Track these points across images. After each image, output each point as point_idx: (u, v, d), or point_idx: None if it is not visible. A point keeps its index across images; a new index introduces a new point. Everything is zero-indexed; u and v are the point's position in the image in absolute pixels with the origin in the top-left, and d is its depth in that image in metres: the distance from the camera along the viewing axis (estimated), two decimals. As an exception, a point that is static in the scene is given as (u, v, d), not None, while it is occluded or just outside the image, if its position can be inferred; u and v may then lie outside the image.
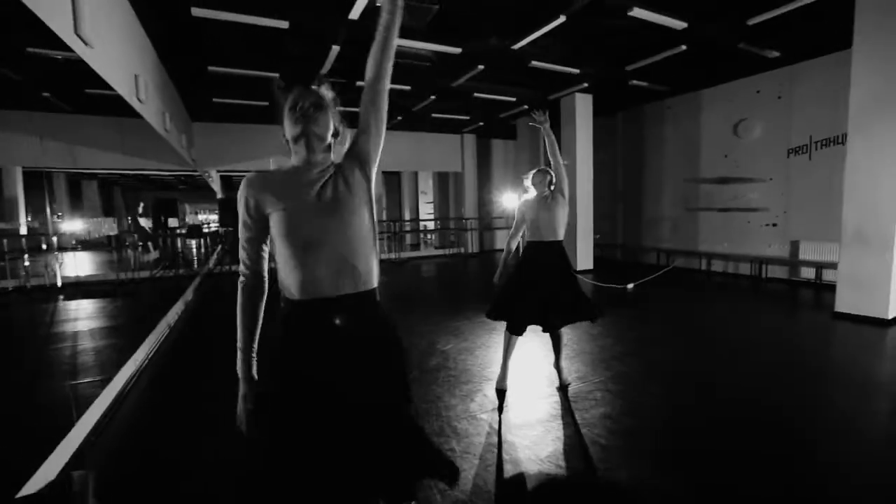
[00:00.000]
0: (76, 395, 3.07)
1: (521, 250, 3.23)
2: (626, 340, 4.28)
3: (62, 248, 10.26)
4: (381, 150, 1.40)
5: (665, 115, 8.86)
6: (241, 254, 1.25)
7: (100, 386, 3.10)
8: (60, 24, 2.57)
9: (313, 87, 1.31)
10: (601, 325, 4.85)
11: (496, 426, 2.67)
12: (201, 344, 4.69)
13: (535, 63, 6.50)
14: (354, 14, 4.79)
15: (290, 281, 1.19)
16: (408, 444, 1.29)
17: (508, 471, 2.22)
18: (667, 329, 4.77)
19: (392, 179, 18.38)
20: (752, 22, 5.22)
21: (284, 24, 5.03)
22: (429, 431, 2.62)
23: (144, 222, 19.27)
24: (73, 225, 14.99)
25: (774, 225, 7.25)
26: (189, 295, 6.98)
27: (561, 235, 3.06)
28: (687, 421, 2.72)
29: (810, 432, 2.57)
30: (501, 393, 3.09)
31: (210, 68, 6.30)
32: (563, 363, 3.26)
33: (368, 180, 1.33)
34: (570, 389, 3.16)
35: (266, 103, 8.28)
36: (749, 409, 2.83)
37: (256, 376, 1.24)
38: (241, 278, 1.26)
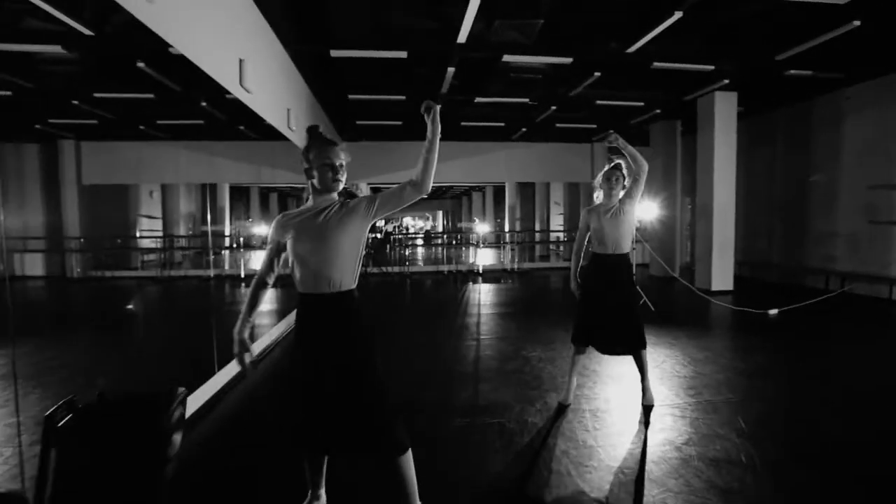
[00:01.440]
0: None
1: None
2: (733, 370, 3.74)
3: (250, 247, 12.93)
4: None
5: (843, 108, 7.29)
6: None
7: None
8: (228, 79, 3.46)
9: (342, 147, 1.74)
10: (713, 350, 4.31)
11: (543, 433, 2.69)
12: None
13: (658, 64, 6.05)
14: (462, 38, 5.18)
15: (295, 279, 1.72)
16: (363, 403, 1.66)
17: (538, 475, 2.25)
18: (794, 366, 4.00)
19: (526, 190, 18.49)
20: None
21: (403, 55, 5.68)
22: (477, 425, 2.77)
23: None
24: (259, 228, 18.70)
25: None
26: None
27: (626, 248, 2.88)
28: (759, 470, 2.35)
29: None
30: (563, 407, 3.04)
31: (350, 96, 7.38)
32: (648, 384, 3.02)
33: (363, 228, 1.72)
34: (638, 411, 2.96)
35: (400, 122, 9.28)
36: (844, 467, 2.31)
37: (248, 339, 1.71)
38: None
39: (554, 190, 16.03)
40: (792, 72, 6.44)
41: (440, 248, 15.97)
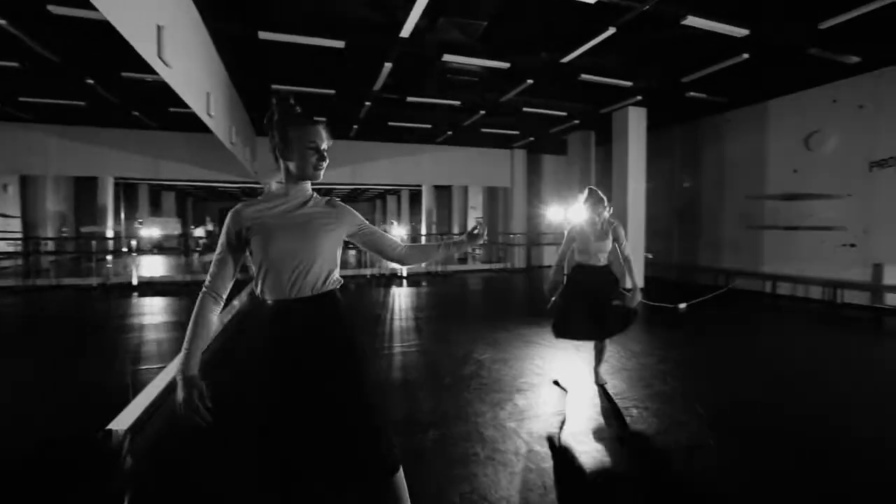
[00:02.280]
0: (135, 379, 3.36)
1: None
2: (671, 361, 4.05)
3: (140, 251, 11.33)
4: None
5: (724, 128, 8.41)
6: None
7: (157, 372, 3.38)
8: (146, 49, 2.90)
9: (326, 130, 1.48)
10: (646, 343, 4.64)
11: (523, 435, 2.62)
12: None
13: (585, 76, 6.44)
14: (405, 33, 5.01)
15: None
16: (351, 419, 1.39)
17: (531, 480, 2.17)
18: (717, 352, 4.47)
19: (442, 194, 18.67)
20: (824, 26, 4.89)
21: (341, 44, 5.35)
22: (453, 435, 2.63)
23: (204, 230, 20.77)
24: (151, 231, 16.50)
25: (853, 245, 6.61)
26: (243, 297, 7.44)
27: (605, 261, 3.37)
28: (718, 446, 2.53)
29: (854, 464, 2.30)
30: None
31: (274, 86, 6.79)
32: (601, 369, 3.51)
33: (342, 240, 1.54)
34: (604, 407, 3.05)
35: (324, 119, 8.76)
36: (795, 440, 2.59)
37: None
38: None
39: (472, 194, 16.39)
40: (691, 93, 7.26)
41: (360, 252, 15.44)
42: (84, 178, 12.43)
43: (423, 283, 9.79)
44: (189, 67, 4.00)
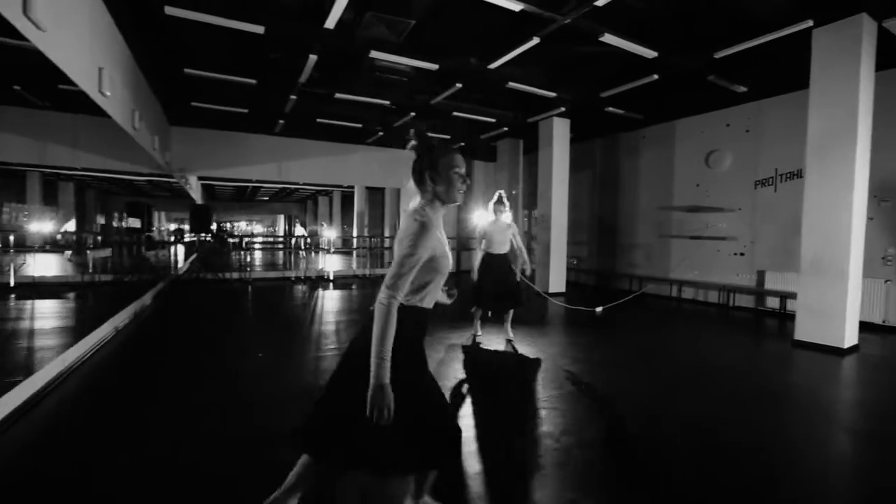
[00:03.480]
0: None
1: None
2: (584, 361, 4.22)
3: (25, 248, 9.93)
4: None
5: (640, 143, 9.07)
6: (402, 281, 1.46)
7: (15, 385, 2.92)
8: (7, 2, 2.50)
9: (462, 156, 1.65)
10: (561, 346, 4.81)
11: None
12: (147, 348, 4.50)
13: (512, 84, 6.62)
14: (330, 24, 4.83)
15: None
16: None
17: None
18: (628, 353, 4.74)
19: (375, 196, 18.38)
20: (718, 55, 5.40)
21: (260, 30, 5.04)
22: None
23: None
24: (42, 225, 14.61)
25: (742, 254, 7.37)
26: (147, 300, 6.76)
27: (506, 250, 4.84)
28: (628, 442, 2.65)
29: (747, 457, 2.51)
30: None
31: (186, 70, 6.27)
32: (509, 326, 4.94)
33: None
34: (517, 407, 3.08)
35: (246, 110, 8.26)
36: (695, 434, 2.78)
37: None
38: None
39: (406, 196, 16.31)
40: (610, 109, 7.74)
41: (287, 254, 14.78)
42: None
43: (353, 287, 9.52)
44: (74, 36, 3.55)
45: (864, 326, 5.79)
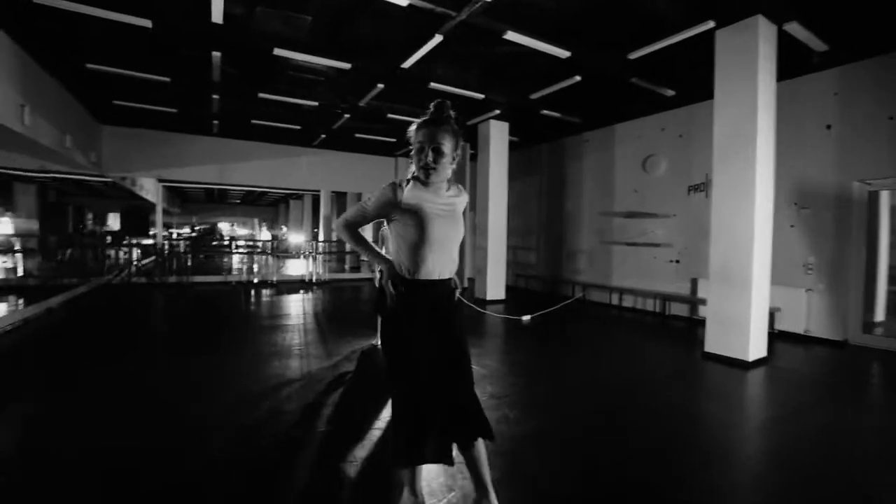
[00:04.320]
0: None
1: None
2: (498, 370, 3.99)
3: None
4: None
5: (583, 147, 8.92)
6: None
7: None
8: None
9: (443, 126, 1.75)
10: (483, 354, 4.57)
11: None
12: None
13: (434, 85, 6.41)
14: (217, 18, 4.58)
15: None
16: (468, 381, 1.77)
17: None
18: (534, 361, 4.53)
19: (342, 200, 18.09)
20: (633, 56, 5.24)
21: (147, 24, 4.77)
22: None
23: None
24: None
25: (677, 262, 7.21)
26: (55, 303, 6.43)
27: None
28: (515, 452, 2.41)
29: (606, 472, 2.29)
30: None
31: (89, 65, 5.96)
32: None
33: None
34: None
35: (175, 110, 7.96)
36: (552, 445, 2.55)
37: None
38: None
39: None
40: (545, 111, 7.57)
41: (248, 258, 14.49)
42: None
43: (299, 291, 9.23)
44: None
45: (787, 337, 5.66)
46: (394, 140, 10.00)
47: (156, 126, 9.19)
